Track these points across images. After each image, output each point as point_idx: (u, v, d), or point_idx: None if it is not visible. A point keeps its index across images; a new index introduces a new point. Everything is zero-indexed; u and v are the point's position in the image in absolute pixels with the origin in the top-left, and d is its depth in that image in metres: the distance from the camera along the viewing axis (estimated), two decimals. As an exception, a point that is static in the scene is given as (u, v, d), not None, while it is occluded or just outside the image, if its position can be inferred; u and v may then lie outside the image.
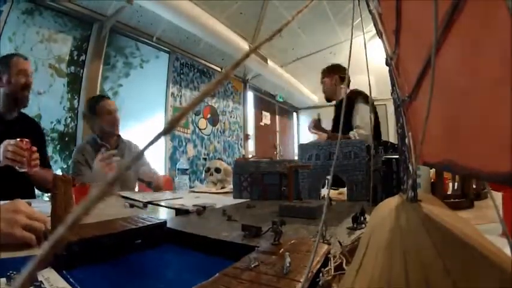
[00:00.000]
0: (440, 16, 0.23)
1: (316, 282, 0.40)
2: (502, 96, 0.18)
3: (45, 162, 1.89)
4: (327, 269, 0.43)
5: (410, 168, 0.31)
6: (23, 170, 1.46)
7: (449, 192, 1.23)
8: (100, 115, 2.11)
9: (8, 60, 1.73)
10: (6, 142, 1.42)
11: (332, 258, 0.47)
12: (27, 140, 1.47)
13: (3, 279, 0.44)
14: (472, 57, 0.21)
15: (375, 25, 0.39)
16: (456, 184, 1.23)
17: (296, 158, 2.01)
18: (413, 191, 0.29)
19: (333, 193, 1.50)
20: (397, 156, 0.94)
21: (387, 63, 0.37)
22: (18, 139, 1.43)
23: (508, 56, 0.17)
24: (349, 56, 0.36)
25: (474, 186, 1.16)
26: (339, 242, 0.54)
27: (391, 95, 0.37)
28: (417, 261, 0.24)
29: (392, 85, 0.36)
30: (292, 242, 0.57)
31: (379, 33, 0.39)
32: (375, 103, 4.92)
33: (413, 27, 0.31)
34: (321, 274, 0.41)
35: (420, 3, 0.28)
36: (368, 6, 0.39)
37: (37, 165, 1.52)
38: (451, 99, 0.25)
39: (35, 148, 1.51)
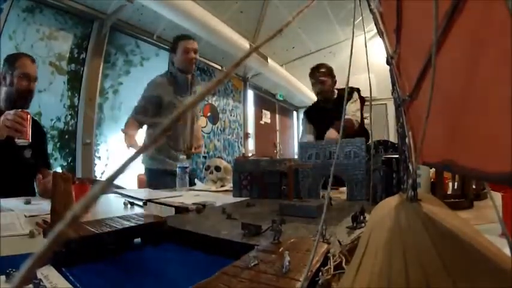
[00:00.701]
0: (441, 16, 0.23)
1: (315, 281, 0.40)
2: (502, 96, 0.18)
3: (46, 162, 1.87)
4: (326, 268, 0.43)
5: (410, 167, 0.31)
6: (22, 143, 1.39)
7: (449, 192, 1.23)
8: (178, 53, 2.23)
9: (14, 60, 1.67)
10: (6, 112, 1.37)
11: (331, 258, 0.47)
12: (27, 111, 1.41)
13: (3, 277, 0.44)
14: (472, 57, 0.21)
15: (376, 24, 0.39)
16: (456, 184, 1.23)
17: (296, 156, 2.01)
18: (413, 191, 0.29)
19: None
20: (397, 156, 0.94)
21: (388, 63, 0.37)
22: (19, 110, 1.37)
23: (508, 55, 0.17)
24: (351, 55, 0.36)
25: (474, 187, 1.16)
26: (339, 241, 0.54)
27: (392, 94, 0.36)
28: (417, 260, 0.24)
29: (393, 84, 0.36)
30: (291, 241, 0.57)
31: (380, 33, 0.39)
32: (374, 103, 4.92)
33: (414, 27, 0.31)
34: (320, 273, 0.41)
35: (421, 3, 0.28)
36: (369, 5, 0.39)
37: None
38: (451, 98, 0.25)
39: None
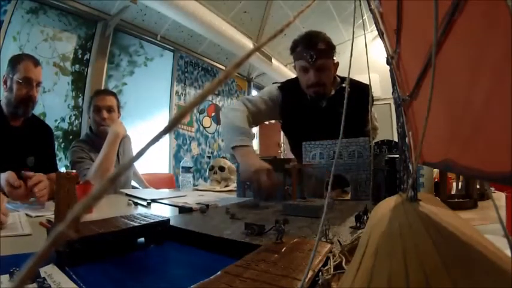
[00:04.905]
0: (441, 16, 0.23)
1: (317, 281, 0.40)
2: (502, 96, 0.18)
3: (53, 168, 1.72)
4: (326, 268, 0.43)
5: (410, 167, 0.31)
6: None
7: (453, 192, 1.22)
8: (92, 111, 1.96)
9: (16, 62, 1.53)
10: (7, 175, 1.23)
11: (332, 257, 0.47)
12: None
13: (6, 276, 0.44)
14: (472, 57, 0.21)
15: (376, 24, 0.39)
16: (460, 184, 1.22)
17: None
18: (413, 191, 0.29)
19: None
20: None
21: (388, 63, 0.37)
22: (13, 181, 1.21)
23: (508, 55, 0.17)
24: (351, 56, 0.36)
25: (478, 187, 1.15)
26: (339, 241, 0.54)
27: (392, 94, 0.36)
28: (417, 260, 0.24)
29: (393, 84, 0.36)
30: (294, 240, 0.57)
31: (380, 33, 0.39)
32: (379, 102, 4.91)
33: (414, 27, 0.31)
34: (320, 273, 0.41)
35: (421, 3, 0.28)
36: (369, 5, 0.39)
37: (44, 195, 1.22)
38: (451, 98, 0.25)
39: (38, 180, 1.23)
